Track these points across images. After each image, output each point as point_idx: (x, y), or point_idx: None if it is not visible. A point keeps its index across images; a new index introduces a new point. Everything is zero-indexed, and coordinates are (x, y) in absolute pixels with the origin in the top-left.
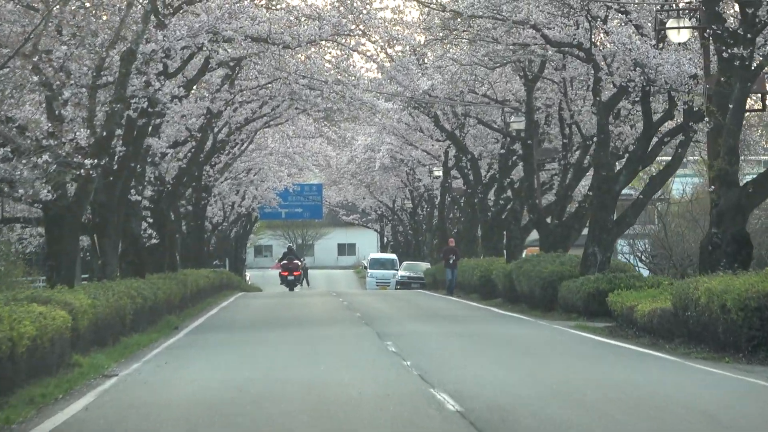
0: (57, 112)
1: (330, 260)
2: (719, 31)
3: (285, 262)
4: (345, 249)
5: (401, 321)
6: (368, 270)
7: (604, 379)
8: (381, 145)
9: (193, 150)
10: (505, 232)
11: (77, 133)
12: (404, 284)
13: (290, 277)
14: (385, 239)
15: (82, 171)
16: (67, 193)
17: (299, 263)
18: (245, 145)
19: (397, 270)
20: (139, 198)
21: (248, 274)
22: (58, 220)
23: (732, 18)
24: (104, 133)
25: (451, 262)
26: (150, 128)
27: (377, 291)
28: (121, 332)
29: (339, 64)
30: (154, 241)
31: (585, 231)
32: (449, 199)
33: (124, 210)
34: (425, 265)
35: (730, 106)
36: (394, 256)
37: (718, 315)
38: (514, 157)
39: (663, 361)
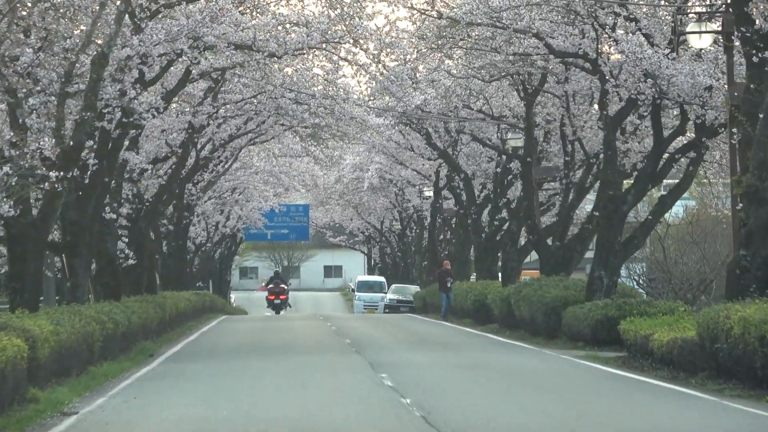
0: (21, 120)
1: (316, 282)
2: (748, 34)
3: (272, 286)
4: (332, 271)
5: (394, 349)
6: (356, 293)
7: (640, 422)
8: (370, 165)
9: (173, 166)
10: (500, 255)
11: (41, 143)
12: (393, 308)
13: (277, 301)
14: (373, 261)
15: (46, 184)
16: (31, 208)
17: (285, 287)
18: (229, 162)
19: (386, 293)
20: (114, 216)
21: (233, 296)
22: (21, 238)
23: (760, 19)
24: (72, 144)
25: (448, 285)
26: (126, 141)
27: (365, 315)
28: (89, 361)
29: (328, 76)
30: (131, 261)
31: (588, 254)
32: (440, 220)
33: (97, 228)
34: (414, 288)
35: (761, 115)
36: (382, 279)
37: (756, 348)
38: (510, 176)
39: (696, 400)
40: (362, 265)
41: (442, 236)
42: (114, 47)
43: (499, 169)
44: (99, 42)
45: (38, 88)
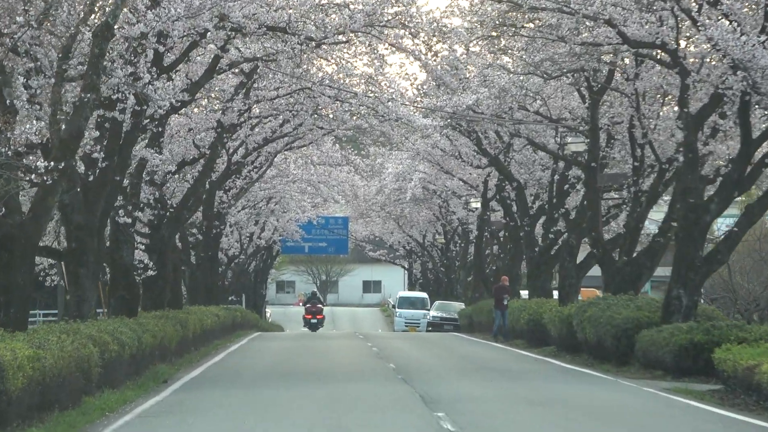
0: (8, 101)
1: (355, 298)
2: None
3: (309, 305)
4: (370, 286)
5: (447, 377)
6: (396, 309)
7: None
8: (413, 174)
9: (201, 169)
10: (556, 271)
11: (26, 127)
12: (436, 326)
13: (313, 320)
14: (414, 277)
15: (33, 176)
16: (19, 207)
17: (322, 306)
18: (264, 168)
19: (428, 310)
20: (129, 220)
21: (269, 311)
22: (7, 242)
23: None
24: (69, 131)
25: (504, 302)
26: (145, 137)
27: (407, 333)
28: (85, 390)
29: (371, 65)
30: (150, 272)
31: (659, 270)
32: (487, 233)
33: (111, 234)
34: (459, 306)
35: None
36: (424, 295)
37: None
38: (567, 186)
39: None
40: (402, 280)
41: (489, 251)
42: (120, 16)
43: (556, 177)
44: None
45: (33, 64)
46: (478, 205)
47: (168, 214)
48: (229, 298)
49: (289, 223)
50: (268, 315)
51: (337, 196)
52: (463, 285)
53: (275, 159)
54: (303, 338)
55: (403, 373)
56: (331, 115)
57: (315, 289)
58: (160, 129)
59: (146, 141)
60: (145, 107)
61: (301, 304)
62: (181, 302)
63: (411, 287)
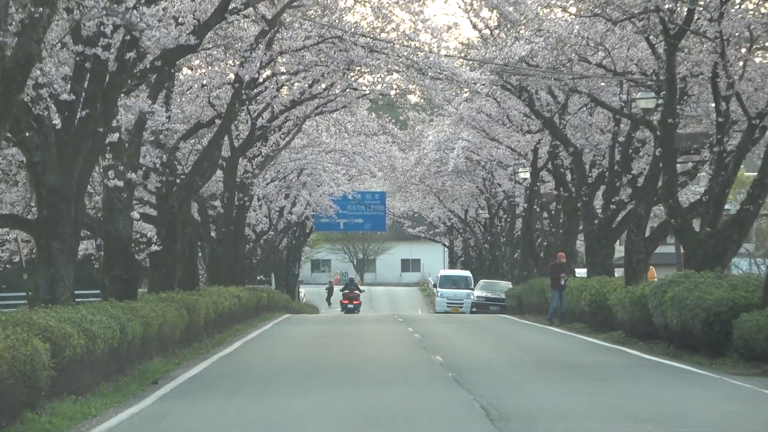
0: None
1: (393, 277)
2: None
3: (347, 291)
4: (409, 265)
5: (511, 376)
6: (438, 289)
7: None
8: (455, 142)
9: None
10: (617, 245)
11: None
12: (482, 306)
13: (350, 305)
14: (455, 254)
15: None
16: None
17: (359, 293)
18: (292, 134)
19: (472, 289)
20: (120, 183)
21: (303, 291)
22: None
23: None
24: (16, 57)
25: (562, 282)
26: (139, 86)
27: (451, 316)
28: (29, 402)
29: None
30: (155, 248)
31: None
32: (537, 206)
33: (95, 201)
34: (506, 285)
35: None
36: (468, 274)
37: None
38: (630, 150)
39: None
40: (442, 258)
41: (538, 225)
42: None
43: (620, 139)
44: None
45: None
46: (527, 175)
47: (178, 181)
48: (258, 278)
49: (323, 198)
50: (302, 295)
51: (373, 168)
52: (509, 262)
53: (305, 125)
54: (336, 322)
55: (454, 369)
56: (365, 72)
57: (352, 276)
58: (163, 79)
59: (146, 92)
60: (135, 39)
61: (337, 282)
62: (197, 282)
63: (452, 265)
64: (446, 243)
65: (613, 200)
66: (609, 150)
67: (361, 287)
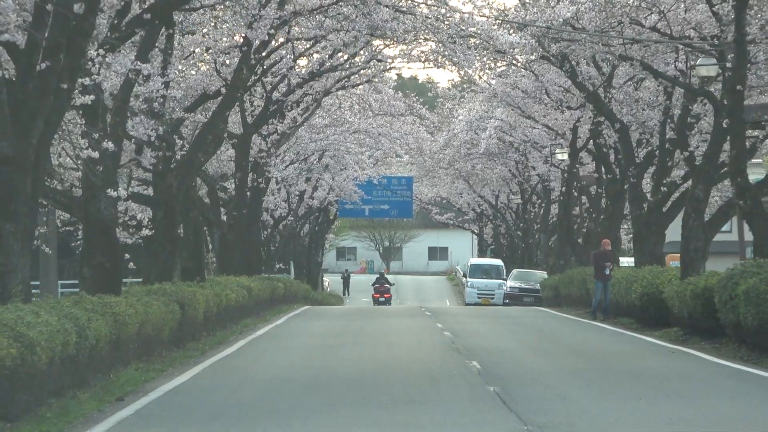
0: None
1: (420, 265)
2: None
3: (377, 285)
4: (437, 253)
5: (566, 391)
6: (468, 279)
7: None
8: (488, 122)
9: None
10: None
11: None
12: (514, 298)
13: (381, 299)
14: (484, 242)
15: None
16: None
17: (389, 287)
18: (311, 110)
19: (504, 279)
20: (95, 154)
21: (327, 280)
22: None
23: None
24: None
25: (606, 272)
26: (114, 29)
27: (484, 310)
28: None
29: None
30: (147, 232)
31: None
32: (576, 189)
33: (46, 169)
34: (541, 274)
35: None
36: (499, 263)
37: None
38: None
39: None
40: (471, 246)
41: (576, 210)
42: None
43: (676, 112)
44: None
45: None
46: (565, 156)
47: (177, 157)
48: (276, 266)
49: (347, 182)
50: (326, 284)
51: (399, 150)
52: (544, 251)
53: (326, 103)
54: (358, 316)
55: (495, 381)
56: (391, 43)
57: (382, 271)
58: (154, 36)
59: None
60: None
61: (362, 271)
62: (204, 272)
63: (482, 254)
64: (475, 230)
65: (664, 181)
66: (660, 126)
67: (389, 278)
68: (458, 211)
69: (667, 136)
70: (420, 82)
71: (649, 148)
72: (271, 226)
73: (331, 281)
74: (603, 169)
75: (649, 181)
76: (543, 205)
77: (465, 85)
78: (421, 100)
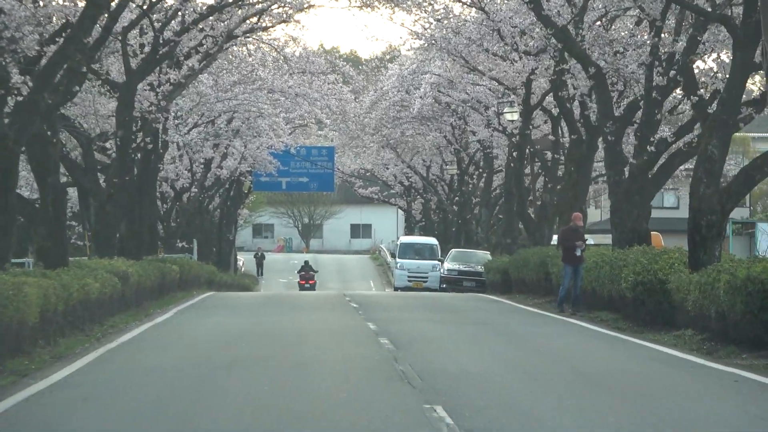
0: None
1: (342, 244)
2: None
3: (303, 273)
4: (359, 230)
5: None
6: (397, 259)
7: None
8: (423, 78)
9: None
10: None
11: None
12: (453, 282)
13: (306, 285)
14: (413, 219)
15: None
16: None
17: (314, 274)
18: (213, 54)
19: (439, 260)
20: None
21: (242, 259)
22: None
23: None
24: None
25: (578, 254)
26: None
27: (425, 300)
28: None
29: None
30: None
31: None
32: (527, 155)
33: None
34: (484, 255)
35: None
36: (433, 241)
37: None
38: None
39: None
40: (396, 223)
41: (528, 180)
42: None
43: (681, 46)
44: None
45: None
46: (515, 116)
47: (14, 99)
48: (179, 244)
49: (260, 151)
50: (240, 264)
51: (320, 113)
52: (485, 228)
53: (234, 54)
54: (267, 307)
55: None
56: None
57: (307, 260)
58: None
59: None
60: None
61: (280, 250)
62: (65, 253)
63: (409, 231)
64: (402, 206)
65: (651, 139)
66: (646, 69)
67: (314, 267)
68: (384, 184)
69: (655, 82)
70: (342, 53)
71: (627, 98)
72: (171, 198)
73: (246, 261)
74: (561, 130)
75: (631, 139)
76: (485, 175)
77: (388, 56)
78: (348, 63)
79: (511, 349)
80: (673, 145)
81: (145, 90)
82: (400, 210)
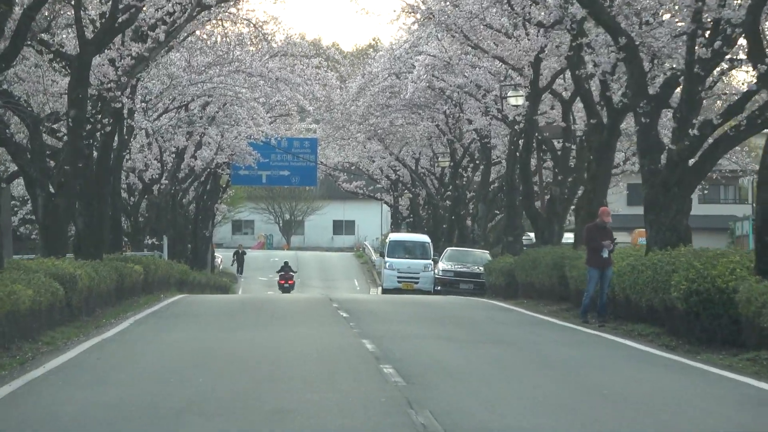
0: None
1: (324, 241)
2: None
3: (282, 273)
4: (342, 227)
5: None
6: (386, 258)
7: None
8: (417, 60)
9: None
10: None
11: None
12: (449, 284)
13: (286, 285)
14: (399, 215)
15: None
16: None
17: (293, 274)
18: (181, 21)
19: (431, 260)
20: None
21: (220, 256)
22: None
23: None
24: None
25: (606, 255)
26: None
27: (413, 301)
28: None
29: None
30: None
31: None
32: (535, 143)
33: None
34: (482, 254)
35: None
36: (426, 239)
37: None
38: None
39: None
40: (380, 220)
41: (536, 172)
42: None
43: (726, 11)
44: None
45: None
46: (520, 100)
47: None
48: (146, 242)
49: (239, 141)
50: (218, 261)
51: (302, 100)
52: (482, 224)
53: (210, 33)
54: (242, 314)
55: None
56: None
57: (287, 261)
58: None
59: None
60: None
61: (260, 246)
62: (8, 253)
63: (396, 227)
64: (389, 201)
65: (694, 121)
66: (688, 38)
67: (293, 267)
68: (369, 178)
69: (697, 55)
70: (324, 47)
71: (656, 77)
72: (140, 191)
73: (224, 258)
74: (573, 116)
75: (669, 122)
76: (481, 167)
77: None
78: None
79: (559, 387)
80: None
81: (104, 66)
82: (385, 205)
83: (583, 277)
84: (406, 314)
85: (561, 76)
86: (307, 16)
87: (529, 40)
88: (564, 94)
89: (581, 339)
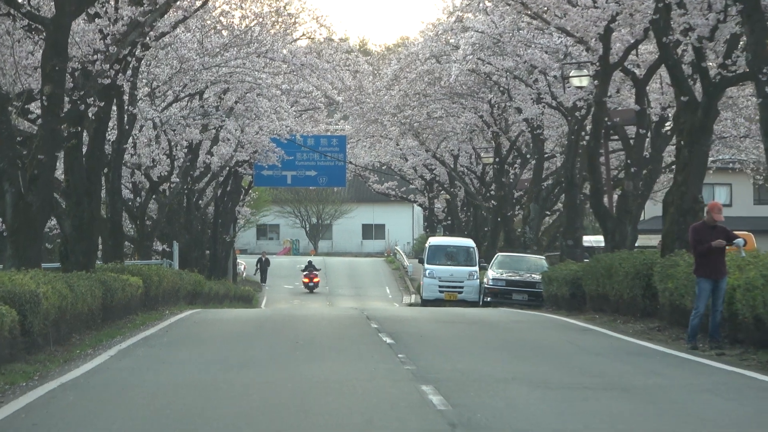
0: None
1: (353, 246)
2: None
3: (306, 272)
4: (372, 231)
5: None
6: (426, 265)
7: None
8: (461, 39)
9: None
10: None
11: None
12: (501, 294)
13: (311, 284)
14: (434, 218)
15: None
16: None
17: (317, 273)
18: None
19: (476, 266)
20: None
21: (242, 263)
22: None
23: None
24: None
25: (719, 266)
26: None
27: (469, 317)
28: None
29: None
30: None
31: None
32: (603, 132)
33: None
34: (538, 260)
35: None
36: (470, 243)
37: None
38: None
39: None
40: (411, 223)
41: (603, 164)
42: None
43: None
44: None
45: None
46: (585, 81)
47: None
48: (159, 248)
49: (260, 136)
50: (241, 268)
51: (330, 88)
52: (534, 227)
53: (226, 12)
54: (259, 340)
55: None
56: None
57: (311, 260)
58: None
59: None
60: None
61: (286, 252)
62: None
63: (431, 231)
64: (422, 203)
65: None
66: None
67: (317, 266)
68: (401, 179)
69: None
70: (351, 44)
71: None
72: (147, 190)
73: (247, 264)
74: (648, 99)
75: None
76: (533, 162)
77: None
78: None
79: None
80: None
81: (90, 34)
82: (418, 208)
83: (682, 290)
84: (464, 338)
85: (633, 51)
86: (332, 15)
87: (597, 7)
88: (637, 71)
89: (723, 380)
